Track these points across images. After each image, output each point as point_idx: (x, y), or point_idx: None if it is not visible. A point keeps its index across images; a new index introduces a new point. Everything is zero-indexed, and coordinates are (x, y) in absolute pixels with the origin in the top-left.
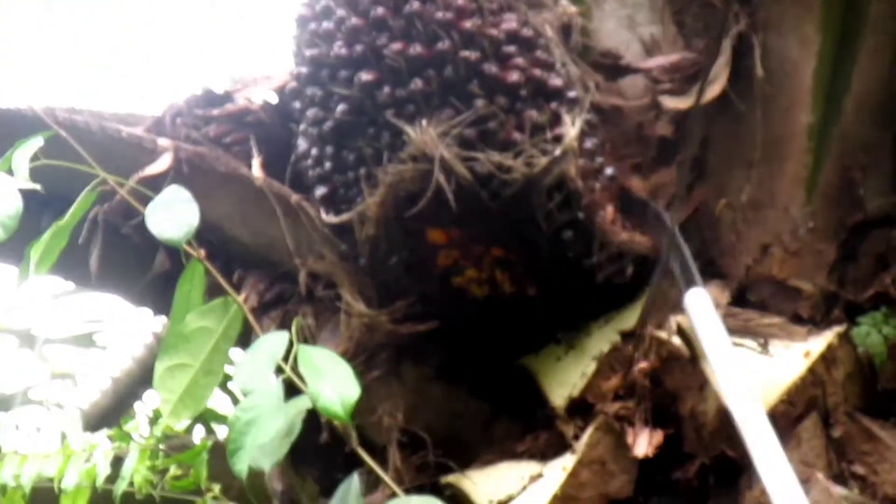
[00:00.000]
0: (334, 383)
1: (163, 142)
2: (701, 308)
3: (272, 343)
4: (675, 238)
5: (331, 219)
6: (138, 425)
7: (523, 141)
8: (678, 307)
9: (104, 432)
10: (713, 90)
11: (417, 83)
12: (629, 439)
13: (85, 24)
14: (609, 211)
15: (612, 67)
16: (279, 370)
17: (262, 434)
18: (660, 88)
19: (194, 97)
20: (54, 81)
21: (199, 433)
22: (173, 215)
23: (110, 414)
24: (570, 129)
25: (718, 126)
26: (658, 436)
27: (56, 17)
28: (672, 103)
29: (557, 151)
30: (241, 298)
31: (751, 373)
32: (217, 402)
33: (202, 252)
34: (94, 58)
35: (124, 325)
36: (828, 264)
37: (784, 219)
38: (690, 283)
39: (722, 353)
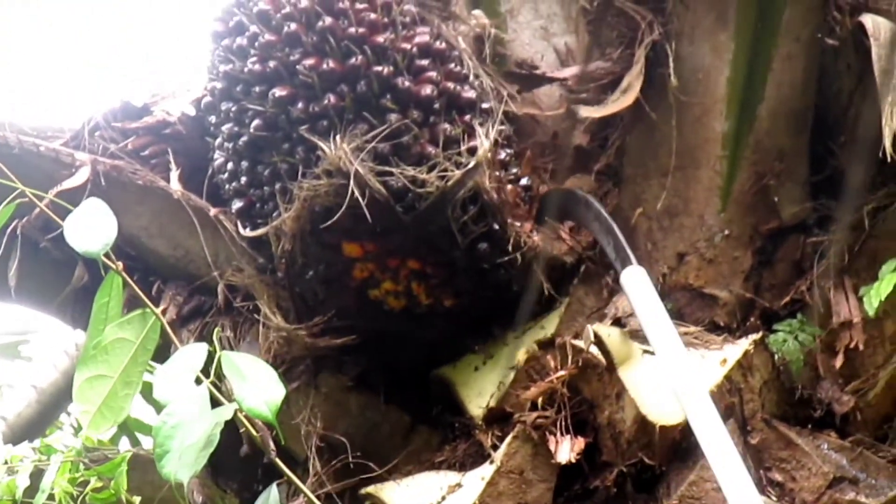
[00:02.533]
0: (259, 386)
1: (80, 155)
2: (638, 286)
3: (191, 354)
4: (606, 220)
5: (247, 233)
6: (62, 437)
7: (437, 154)
8: (595, 316)
9: (27, 444)
10: (627, 99)
11: (331, 98)
12: (551, 446)
13: (85, 24)
14: (527, 226)
15: (527, 77)
16: (199, 381)
17: (189, 437)
18: (575, 98)
19: (112, 110)
20: (54, 81)
21: (124, 444)
22: (92, 228)
23: (35, 425)
24: (484, 140)
25: (634, 135)
26: (580, 442)
27: (56, 16)
28: (587, 112)
29: (471, 163)
30: (159, 310)
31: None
32: (143, 412)
33: (120, 264)
34: (94, 58)
35: (50, 337)
36: (744, 271)
37: (699, 227)
38: (626, 262)
39: (661, 328)
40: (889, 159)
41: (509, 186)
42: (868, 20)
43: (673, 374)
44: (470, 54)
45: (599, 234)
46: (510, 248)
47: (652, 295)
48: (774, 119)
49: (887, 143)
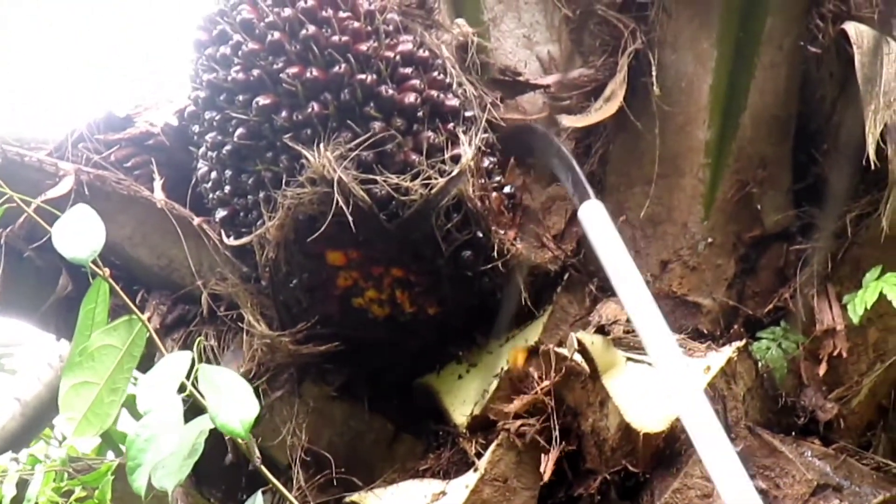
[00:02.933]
0: (234, 402)
1: (64, 165)
2: (596, 220)
3: (175, 363)
4: (566, 156)
5: (231, 241)
6: (47, 448)
7: (421, 162)
8: (578, 324)
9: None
10: (610, 107)
11: (314, 107)
12: (542, 467)
13: (85, 24)
14: (510, 233)
15: (510, 84)
16: (183, 389)
17: (161, 451)
18: (558, 105)
19: (95, 121)
20: (54, 81)
21: (109, 457)
22: (79, 234)
23: (19, 438)
24: (468, 148)
25: (617, 143)
26: (554, 453)
27: (56, 16)
28: (570, 122)
29: (455, 171)
30: (144, 317)
31: (652, 389)
32: (128, 425)
33: (107, 271)
34: (94, 58)
35: (34, 349)
36: (727, 279)
37: (683, 234)
38: (584, 196)
39: (619, 262)
40: (872, 167)
41: (493, 194)
42: (851, 28)
43: (631, 310)
44: (453, 62)
45: (559, 169)
46: (494, 255)
47: (610, 229)
48: (757, 127)
49: (870, 150)
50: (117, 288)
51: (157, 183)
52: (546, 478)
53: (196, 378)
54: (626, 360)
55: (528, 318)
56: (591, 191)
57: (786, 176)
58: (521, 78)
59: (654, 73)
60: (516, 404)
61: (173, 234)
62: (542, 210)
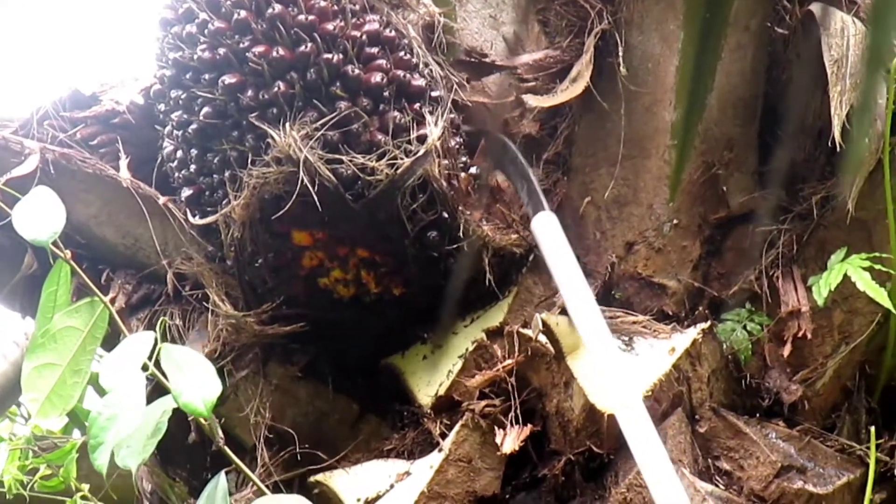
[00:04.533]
0: (196, 381)
1: (29, 143)
2: (548, 232)
3: (138, 342)
4: (522, 165)
5: (197, 221)
6: (12, 426)
7: (387, 142)
8: (543, 305)
9: None
10: (577, 88)
11: (280, 86)
12: (498, 437)
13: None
14: (476, 214)
15: (476, 65)
16: (146, 369)
17: (123, 430)
18: (524, 86)
19: (61, 99)
20: (19, 58)
21: (75, 435)
22: (40, 216)
23: None
24: (434, 129)
25: (583, 124)
26: (525, 431)
27: None
28: (536, 102)
29: (420, 152)
30: (107, 299)
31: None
32: (94, 403)
33: (69, 253)
34: (60, 35)
35: None
36: (692, 261)
37: (648, 216)
38: (538, 207)
39: (569, 275)
40: (838, 148)
41: (460, 175)
42: (818, 9)
43: (579, 321)
44: (419, 42)
45: (514, 177)
46: (460, 236)
47: (562, 241)
48: (724, 108)
49: (836, 132)
50: (79, 270)
51: (123, 162)
52: (507, 451)
53: (158, 358)
54: None
55: (493, 299)
56: (545, 202)
57: (752, 157)
58: (487, 59)
59: (620, 54)
60: (478, 379)
61: (139, 213)
62: (509, 191)
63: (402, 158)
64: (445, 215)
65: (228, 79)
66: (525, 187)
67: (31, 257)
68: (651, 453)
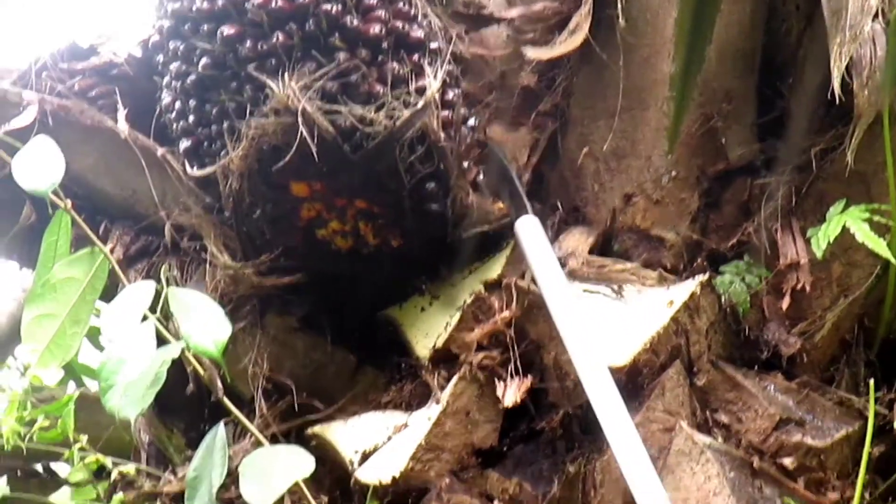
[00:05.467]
0: (206, 323)
1: (28, 95)
2: (531, 235)
3: (139, 291)
4: (505, 168)
5: (195, 172)
6: (9, 378)
7: (385, 94)
8: None
9: None
10: (575, 39)
11: (279, 37)
12: (498, 390)
13: None
14: (475, 167)
15: (474, 17)
16: (147, 320)
17: (133, 372)
18: (522, 38)
19: (59, 50)
20: (18, 9)
21: (72, 389)
22: (39, 166)
23: None
24: (433, 81)
25: (581, 76)
26: (526, 383)
27: None
28: (534, 54)
29: (419, 104)
30: (107, 248)
31: (613, 323)
32: (89, 357)
33: (69, 202)
34: None
35: None
36: (690, 213)
37: (647, 168)
38: (521, 210)
39: (550, 278)
40: (837, 101)
41: (459, 127)
42: None
43: (560, 324)
44: None
45: (497, 179)
46: (457, 188)
47: (544, 244)
48: (722, 60)
49: (836, 84)
50: (79, 219)
51: (121, 113)
52: (508, 403)
53: (160, 307)
54: (583, 291)
55: (491, 251)
56: (528, 205)
57: (750, 110)
58: (484, 11)
59: (619, 5)
60: (476, 333)
61: (137, 164)
62: (505, 143)
63: (400, 110)
64: (443, 167)
65: (227, 30)
66: (507, 190)
67: (30, 208)
68: (616, 420)
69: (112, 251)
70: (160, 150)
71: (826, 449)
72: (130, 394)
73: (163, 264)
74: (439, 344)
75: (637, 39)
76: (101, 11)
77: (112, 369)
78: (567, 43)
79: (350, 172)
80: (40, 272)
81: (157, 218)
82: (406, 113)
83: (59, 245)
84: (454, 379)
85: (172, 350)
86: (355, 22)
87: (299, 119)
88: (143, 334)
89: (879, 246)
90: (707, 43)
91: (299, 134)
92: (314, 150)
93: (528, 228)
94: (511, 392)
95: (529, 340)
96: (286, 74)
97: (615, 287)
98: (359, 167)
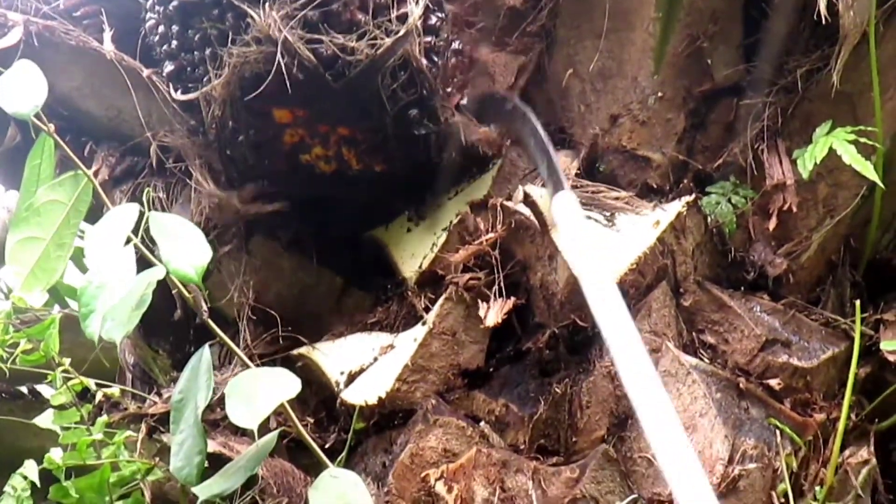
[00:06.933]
0: (186, 248)
1: (13, 15)
2: (567, 211)
3: (123, 214)
4: (542, 139)
5: (179, 96)
6: None
7: (367, 22)
8: (528, 178)
9: None
10: None
11: None
12: (482, 311)
13: None
14: (458, 91)
15: None
16: (130, 242)
17: (114, 296)
18: None
19: None
20: None
21: (55, 310)
22: (22, 89)
23: None
24: (414, 7)
25: None
26: (508, 303)
27: None
28: None
29: (401, 31)
30: (91, 171)
31: (600, 245)
32: (75, 278)
33: (52, 126)
34: None
35: None
36: (676, 134)
37: (632, 89)
38: (558, 186)
39: (587, 255)
40: (823, 21)
41: (441, 52)
42: None
43: (594, 302)
44: None
45: (534, 151)
46: (440, 113)
47: (581, 220)
48: None
49: (821, 4)
50: (62, 143)
51: (107, 34)
52: (490, 323)
53: (143, 229)
54: None
55: (477, 172)
56: (564, 181)
57: (736, 30)
58: None
59: None
60: (462, 254)
61: (122, 85)
62: (492, 65)
63: (382, 38)
64: (426, 93)
65: None
66: (546, 162)
67: (15, 129)
68: (622, 334)
69: (97, 172)
70: (146, 71)
71: (812, 370)
72: (115, 316)
73: (148, 185)
74: (425, 265)
75: None
76: None
77: (92, 294)
78: None
79: (332, 100)
80: (24, 196)
81: (142, 139)
82: (388, 41)
83: (43, 169)
84: (440, 300)
85: (156, 273)
86: None
87: (280, 48)
88: (124, 258)
89: (865, 167)
90: None
91: (281, 63)
92: (296, 79)
93: (565, 205)
94: (493, 312)
95: (516, 261)
96: (267, 3)
97: (607, 214)
98: (341, 95)
